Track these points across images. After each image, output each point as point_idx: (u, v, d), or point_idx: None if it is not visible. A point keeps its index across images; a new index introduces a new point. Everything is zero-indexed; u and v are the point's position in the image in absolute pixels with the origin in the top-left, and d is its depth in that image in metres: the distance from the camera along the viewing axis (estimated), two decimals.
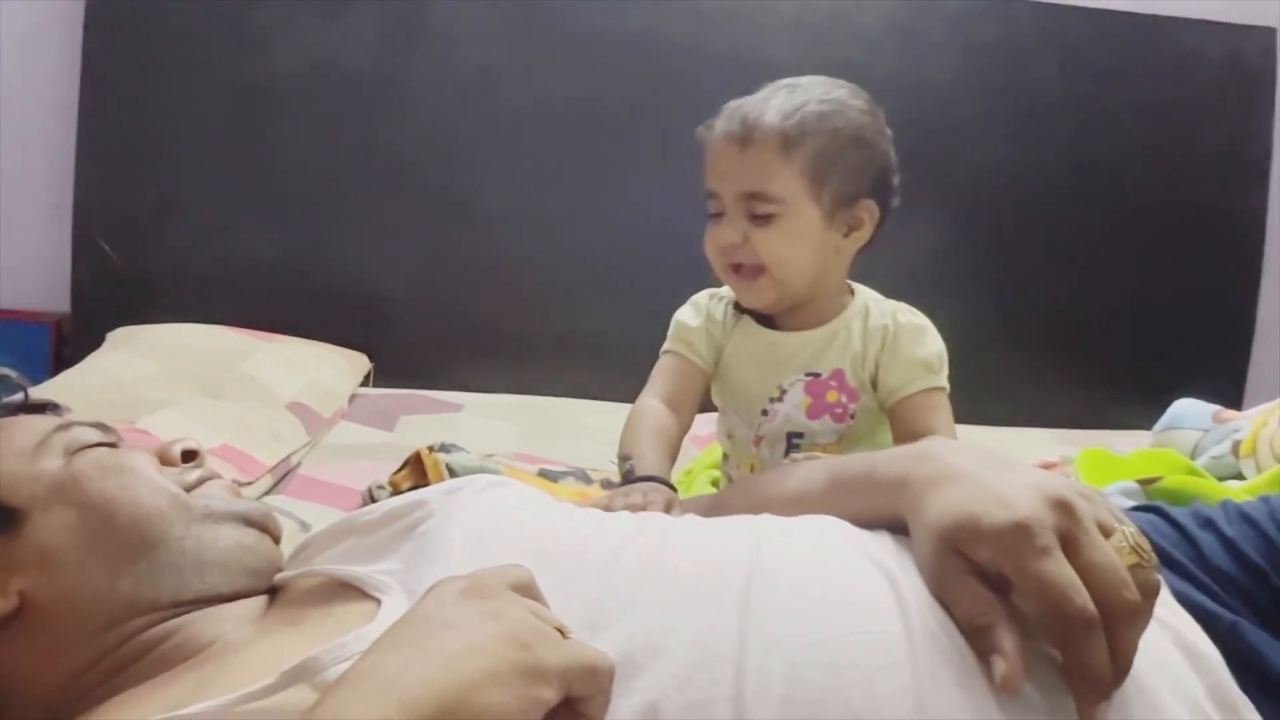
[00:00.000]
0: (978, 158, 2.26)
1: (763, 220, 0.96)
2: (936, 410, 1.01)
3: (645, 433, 1.02)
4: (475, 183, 2.09)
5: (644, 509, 0.83)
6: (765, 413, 1.04)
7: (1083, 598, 0.51)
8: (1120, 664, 0.53)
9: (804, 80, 1.00)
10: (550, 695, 0.46)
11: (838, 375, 1.01)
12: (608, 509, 0.77)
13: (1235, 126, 2.35)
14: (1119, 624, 0.52)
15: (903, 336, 1.00)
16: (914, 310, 1.05)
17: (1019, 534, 0.53)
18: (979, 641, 0.54)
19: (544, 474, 1.46)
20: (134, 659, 0.63)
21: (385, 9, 2.04)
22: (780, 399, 1.03)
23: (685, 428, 1.07)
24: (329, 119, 2.05)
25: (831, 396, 1.01)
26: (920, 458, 0.65)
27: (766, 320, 1.06)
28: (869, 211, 1.00)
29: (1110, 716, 0.53)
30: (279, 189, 2.05)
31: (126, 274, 2.00)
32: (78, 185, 1.99)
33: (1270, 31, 2.35)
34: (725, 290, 1.09)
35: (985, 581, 0.56)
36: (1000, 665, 0.52)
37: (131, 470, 0.68)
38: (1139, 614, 0.53)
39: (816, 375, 1.01)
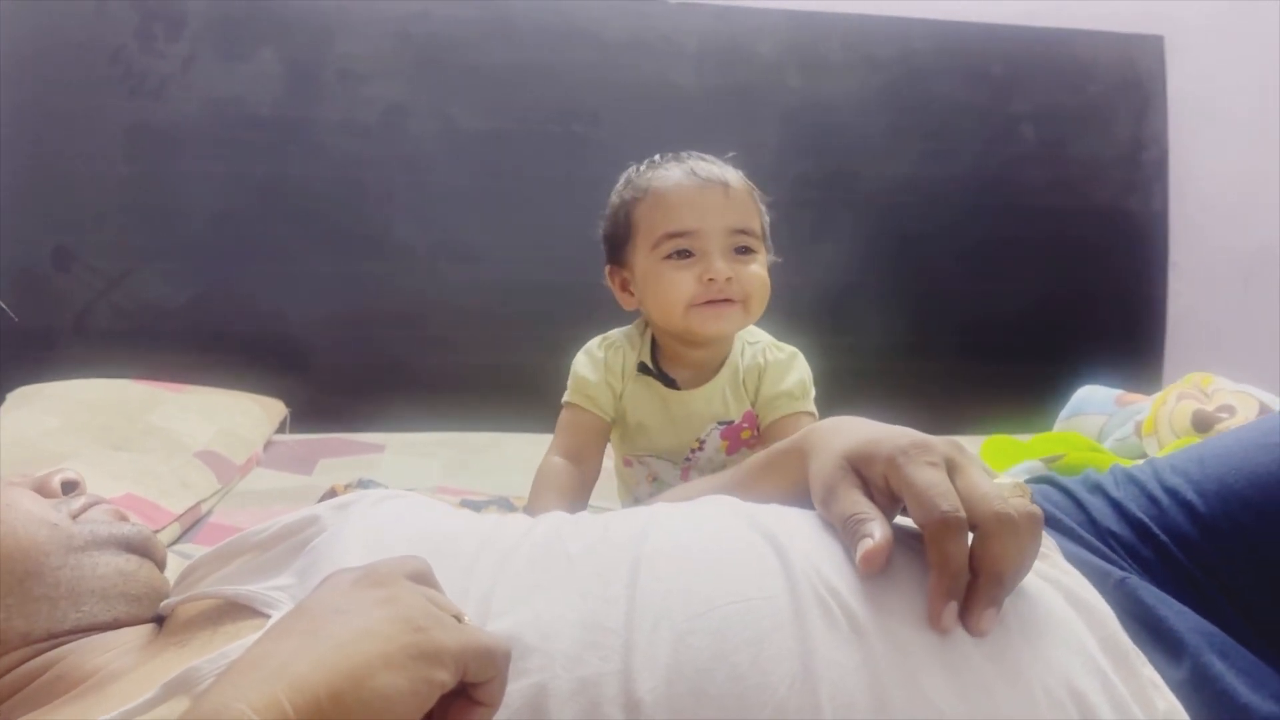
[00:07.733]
0: (884, 172, 2.30)
1: (745, 255, 1.03)
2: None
3: (549, 494, 1.06)
4: (387, 219, 2.08)
5: None
6: (688, 459, 1.11)
7: (953, 502, 0.56)
8: (992, 571, 0.55)
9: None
10: (445, 677, 0.45)
11: (748, 416, 1.09)
12: None
13: (1132, 131, 2.43)
14: (994, 532, 0.55)
15: (769, 372, 1.09)
16: (780, 345, 1.12)
17: (910, 449, 0.59)
18: (853, 533, 0.58)
19: (466, 504, 1.44)
20: (10, 693, 0.60)
21: (288, 49, 2.03)
22: (700, 448, 1.10)
23: (594, 475, 1.12)
24: (234, 161, 2.02)
25: (745, 434, 1.09)
26: (823, 421, 0.71)
27: (665, 379, 1.11)
28: None
29: (1002, 667, 0.54)
30: (184, 235, 2.01)
31: (25, 332, 1.94)
32: None
33: (1158, 39, 2.44)
34: (616, 336, 1.13)
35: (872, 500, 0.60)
36: (866, 543, 0.56)
37: (6, 504, 0.65)
38: (1015, 526, 0.56)
39: (730, 423, 1.08)
